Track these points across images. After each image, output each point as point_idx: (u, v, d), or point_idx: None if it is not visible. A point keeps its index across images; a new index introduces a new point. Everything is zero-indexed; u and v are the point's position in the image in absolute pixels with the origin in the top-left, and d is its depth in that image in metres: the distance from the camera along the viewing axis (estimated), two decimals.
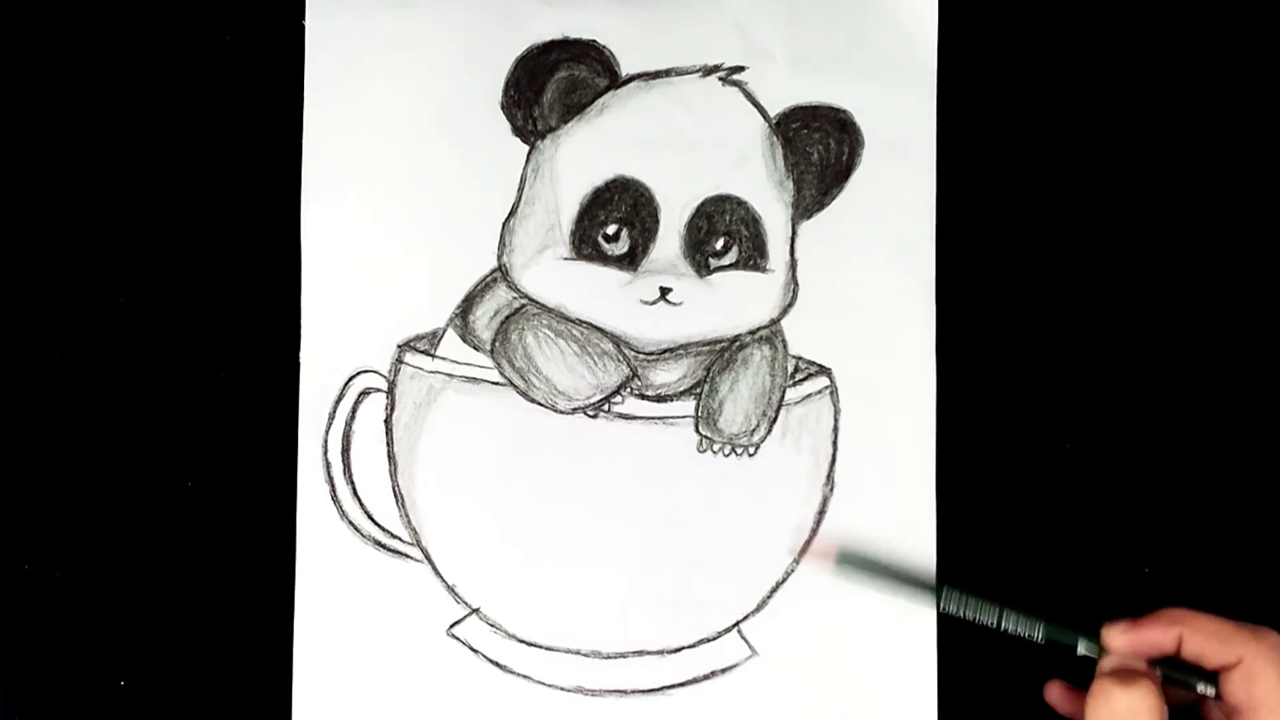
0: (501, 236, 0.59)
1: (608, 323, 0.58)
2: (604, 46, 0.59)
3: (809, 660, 0.59)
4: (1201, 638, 0.51)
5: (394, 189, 0.59)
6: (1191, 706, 0.53)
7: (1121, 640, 0.52)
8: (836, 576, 0.56)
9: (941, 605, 0.54)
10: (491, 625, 0.59)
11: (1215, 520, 0.59)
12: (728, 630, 0.59)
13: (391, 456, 0.59)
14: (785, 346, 0.59)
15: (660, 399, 0.59)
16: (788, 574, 0.59)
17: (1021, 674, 0.57)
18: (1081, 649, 0.53)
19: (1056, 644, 0.53)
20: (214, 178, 0.59)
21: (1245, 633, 0.50)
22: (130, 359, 0.59)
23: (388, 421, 0.59)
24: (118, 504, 0.59)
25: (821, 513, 0.59)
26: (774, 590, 0.59)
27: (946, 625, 0.58)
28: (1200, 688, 0.51)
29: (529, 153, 0.59)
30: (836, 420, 0.59)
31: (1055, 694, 0.55)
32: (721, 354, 0.59)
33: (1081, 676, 0.53)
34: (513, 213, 0.59)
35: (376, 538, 0.58)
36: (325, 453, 0.58)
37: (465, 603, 0.58)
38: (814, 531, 0.59)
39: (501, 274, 0.59)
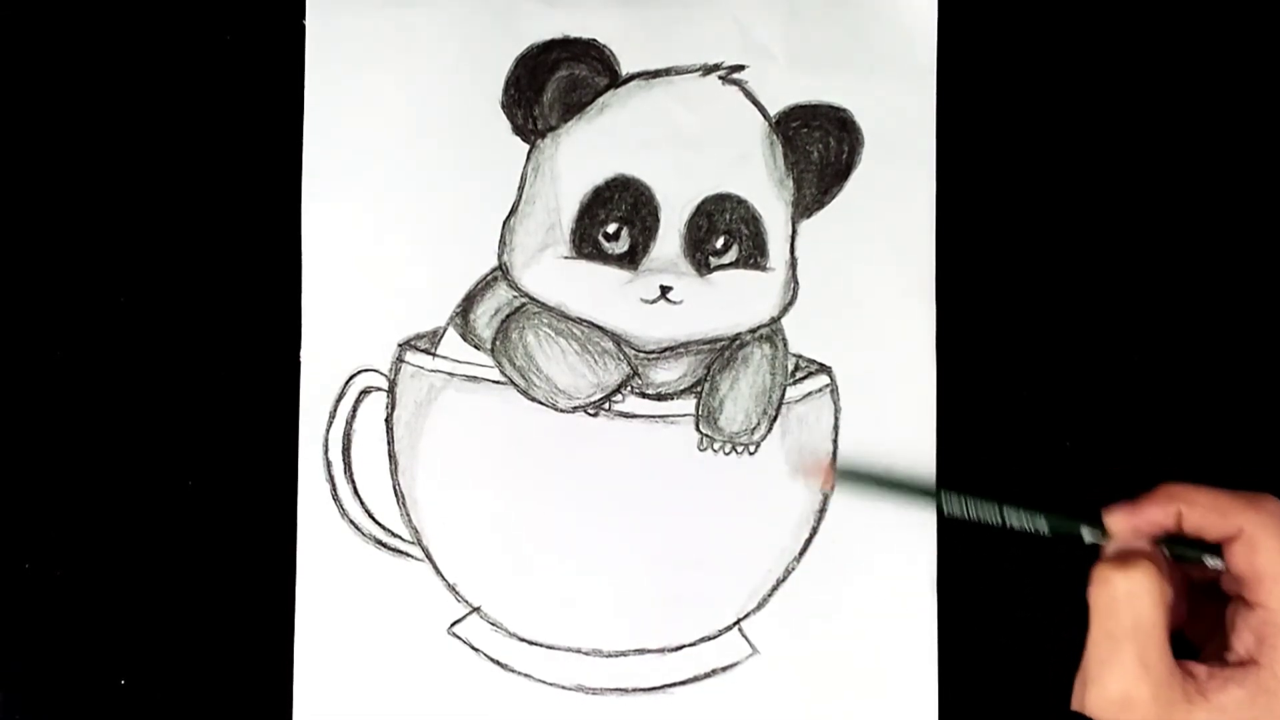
0: (502, 235, 0.59)
1: (608, 321, 0.58)
2: (604, 46, 0.59)
3: (810, 658, 0.59)
4: (1200, 511, 0.49)
5: (394, 188, 0.59)
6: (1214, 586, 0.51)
7: (1123, 522, 0.51)
8: (838, 490, 0.56)
9: (943, 508, 0.52)
10: (492, 624, 0.59)
11: None
12: (729, 628, 0.59)
13: (392, 455, 0.59)
14: (785, 345, 0.59)
15: (660, 397, 0.59)
16: (789, 572, 0.59)
17: (1021, 674, 0.57)
18: (1087, 537, 0.52)
19: (1062, 535, 0.51)
20: (214, 177, 0.59)
21: (1243, 502, 0.49)
22: (130, 359, 0.59)
23: (388, 420, 0.59)
24: (118, 504, 0.59)
25: (821, 512, 0.59)
26: (775, 588, 0.59)
27: (947, 623, 0.58)
28: (1208, 560, 0.49)
29: (529, 152, 0.59)
30: (837, 419, 0.59)
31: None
32: (722, 352, 0.59)
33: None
34: (513, 212, 0.59)
35: (377, 536, 0.58)
36: (326, 452, 0.58)
37: (466, 601, 0.58)
38: (814, 530, 0.59)
39: (502, 273, 0.59)
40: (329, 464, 0.58)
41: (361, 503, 0.58)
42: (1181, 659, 0.48)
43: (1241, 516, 0.48)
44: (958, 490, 0.52)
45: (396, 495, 0.59)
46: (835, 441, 0.59)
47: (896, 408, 0.59)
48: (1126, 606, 0.48)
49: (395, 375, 0.59)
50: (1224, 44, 0.60)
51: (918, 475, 0.57)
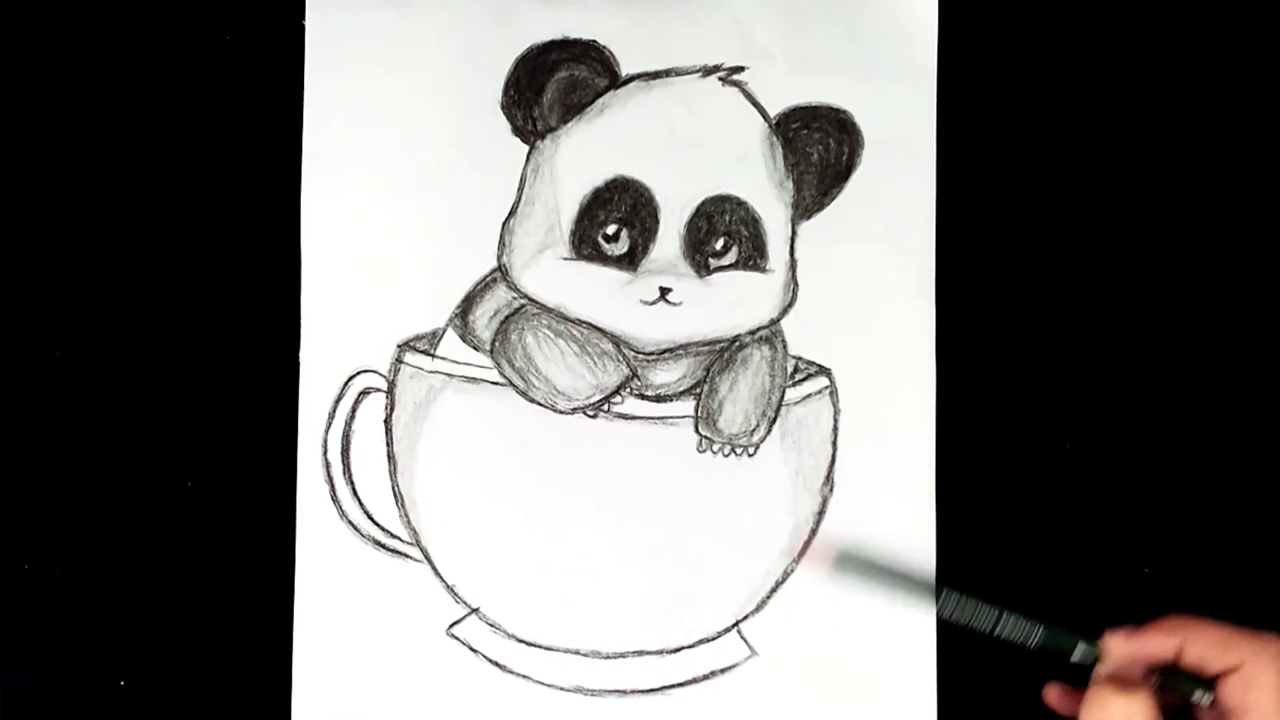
0: (501, 236, 0.59)
1: (607, 323, 0.58)
2: (604, 46, 0.59)
3: (808, 660, 0.59)
4: (1203, 644, 0.51)
5: (394, 189, 0.59)
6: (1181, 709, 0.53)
7: (1123, 648, 0.52)
8: (835, 578, 0.56)
9: (939, 610, 0.55)
10: (491, 625, 0.59)
11: (1215, 520, 0.59)
12: (727, 630, 0.59)
13: (391, 456, 0.59)
14: (785, 346, 0.59)
15: (660, 399, 0.59)
16: (787, 574, 0.59)
17: (1021, 674, 0.57)
18: (1077, 656, 0.53)
19: (1053, 650, 0.53)
20: (214, 178, 0.59)
21: (1247, 639, 0.51)
22: (130, 359, 0.59)
23: (387, 421, 0.59)
24: (118, 504, 0.59)
25: (821, 513, 0.59)
26: (774, 590, 0.59)
27: (946, 625, 0.58)
28: (1197, 695, 0.51)
29: (529, 153, 0.59)
30: (836, 420, 0.59)
31: (1054, 695, 0.56)
32: (721, 354, 0.59)
33: (1079, 677, 0.53)
34: (512, 213, 0.59)
35: (376, 537, 0.58)
36: (325, 452, 0.58)
37: (465, 602, 0.59)
38: (813, 532, 0.59)
39: (501, 274, 0.59)
40: (328, 465, 0.58)
41: (360, 504, 0.58)
42: None
43: (1244, 652, 0.50)
44: (958, 591, 0.54)
45: (395, 496, 0.59)
46: (834, 444, 0.59)
47: (896, 408, 0.59)
48: None
49: (394, 376, 0.59)
50: (1224, 44, 0.60)
51: (917, 571, 0.57)
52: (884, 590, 0.56)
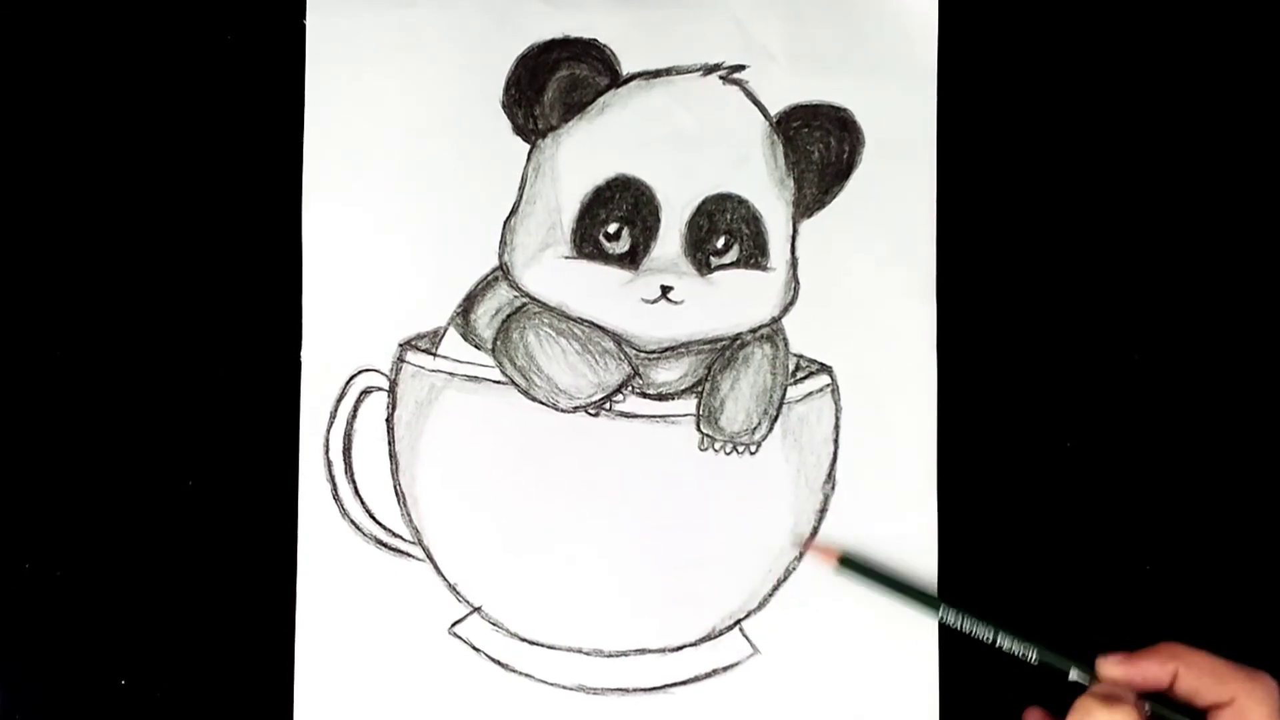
0: (503, 235, 0.59)
1: (609, 321, 0.58)
2: (604, 45, 0.59)
3: (810, 658, 0.59)
4: (1197, 674, 0.51)
5: (395, 188, 0.59)
6: None
7: (1116, 672, 0.52)
8: (837, 575, 0.57)
9: (939, 618, 0.56)
10: (493, 624, 0.59)
11: (1215, 519, 0.59)
12: (729, 628, 0.59)
13: (393, 455, 0.59)
14: (786, 345, 0.59)
15: (661, 397, 0.59)
16: (789, 572, 0.59)
17: (1021, 674, 0.57)
18: (1073, 675, 0.54)
19: (1049, 668, 0.54)
20: (215, 178, 0.59)
21: (1242, 674, 0.51)
22: (130, 359, 0.59)
23: (389, 420, 0.59)
24: (118, 504, 0.59)
25: (822, 511, 0.59)
26: (776, 588, 0.59)
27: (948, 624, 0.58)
28: None
29: (530, 151, 0.59)
30: (837, 418, 0.59)
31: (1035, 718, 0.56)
32: (722, 352, 0.59)
33: (1078, 687, 0.54)
34: (514, 211, 0.59)
35: (378, 536, 0.58)
36: (327, 451, 0.58)
37: (467, 601, 0.58)
38: (815, 530, 0.59)
39: (503, 273, 0.59)
40: (330, 464, 0.58)
41: (362, 503, 0.58)
42: None
43: (1238, 686, 0.51)
44: (957, 606, 0.56)
45: (397, 495, 0.58)
46: (836, 442, 0.59)
47: (897, 408, 0.59)
48: None
49: (396, 375, 0.59)
50: (1224, 44, 0.60)
51: (918, 581, 0.58)
52: (884, 592, 0.57)
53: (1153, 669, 0.52)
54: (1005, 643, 0.55)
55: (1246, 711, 0.50)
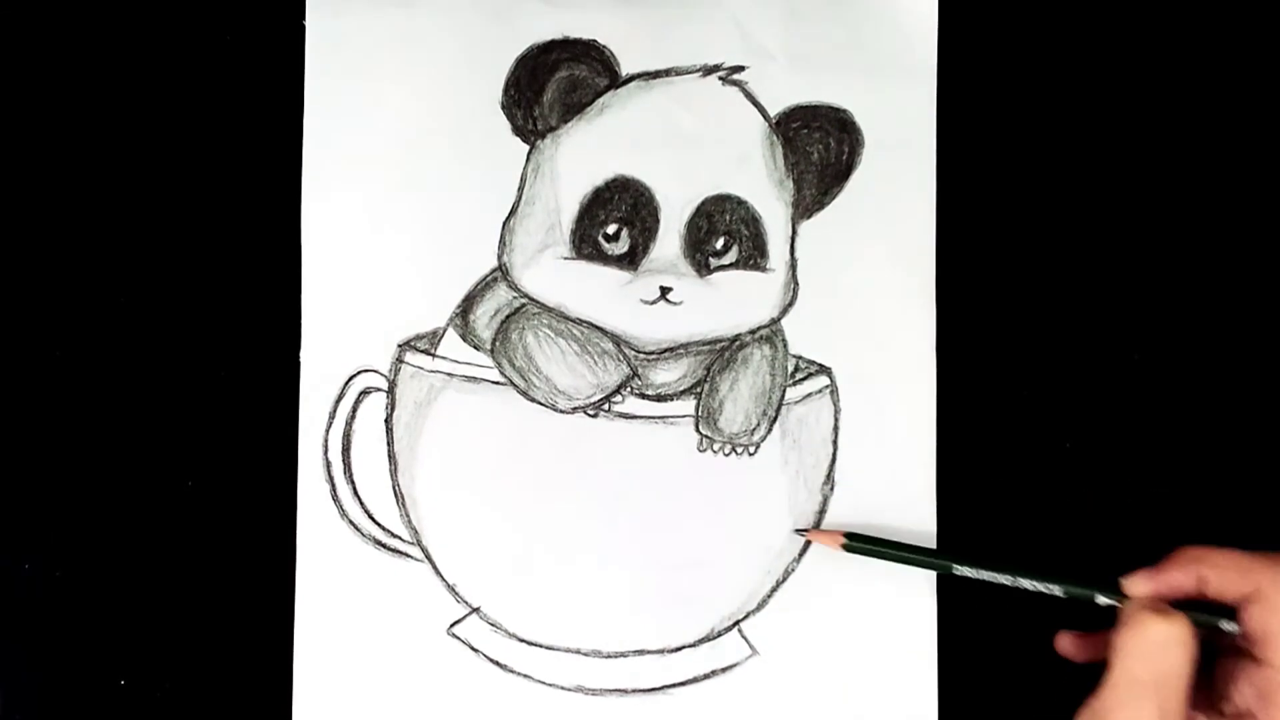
0: (502, 236, 0.59)
1: (608, 322, 0.58)
2: (604, 46, 0.59)
3: (809, 659, 0.59)
4: (1220, 571, 0.51)
5: (394, 189, 0.59)
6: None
7: (1144, 587, 0.52)
8: (845, 552, 0.57)
9: (955, 570, 0.55)
10: (492, 624, 0.59)
11: (1215, 518, 0.59)
12: (728, 629, 0.59)
13: (392, 456, 0.59)
14: (785, 346, 0.59)
15: (660, 398, 0.59)
16: (788, 573, 0.59)
17: (1022, 674, 0.57)
18: (1101, 600, 0.53)
19: (1076, 599, 0.54)
20: (214, 178, 0.59)
21: (1264, 562, 0.50)
22: (130, 359, 0.59)
23: (388, 421, 0.59)
24: (118, 504, 0.59)
25: (822, 512, 0.59)
26: (774, 590, 0.59)
27: (947, 624, 0.58)
28: (1224, 625, 0.51)
29: (529, 152, 0.59)
30: (837, 419, 0.59)
31: (1067, 642, 0.55)
32: (721, 353, 0.59)
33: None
34: (513, 212, 0.59)
35: (377, 537, 0.58)
36: (325, 452, 0.58)
37: (466, 602, 0.59)
38: (815, 529, 0.59)
39: (502, 273, 0.59)
40: (329, 464, 0.58)
41: (361, 503, 0.58)
42: None
43: (1261, 575, 0.50)
44: (970, 559, 0.55)
45: (396, 496, 0.59)
46: (835, 443, 0.59)
47: (896, 408, 0.59)
48: (1160, 655, 0.49)
49: (395, 376, 0.59)
50: (1224, 44, 0.60)
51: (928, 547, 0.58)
52: (893, 561, 0.57)
53: (1178, 576, 0.51)
54: (1026, 583, 0.54)
55: (1275, 601, 0.49)
